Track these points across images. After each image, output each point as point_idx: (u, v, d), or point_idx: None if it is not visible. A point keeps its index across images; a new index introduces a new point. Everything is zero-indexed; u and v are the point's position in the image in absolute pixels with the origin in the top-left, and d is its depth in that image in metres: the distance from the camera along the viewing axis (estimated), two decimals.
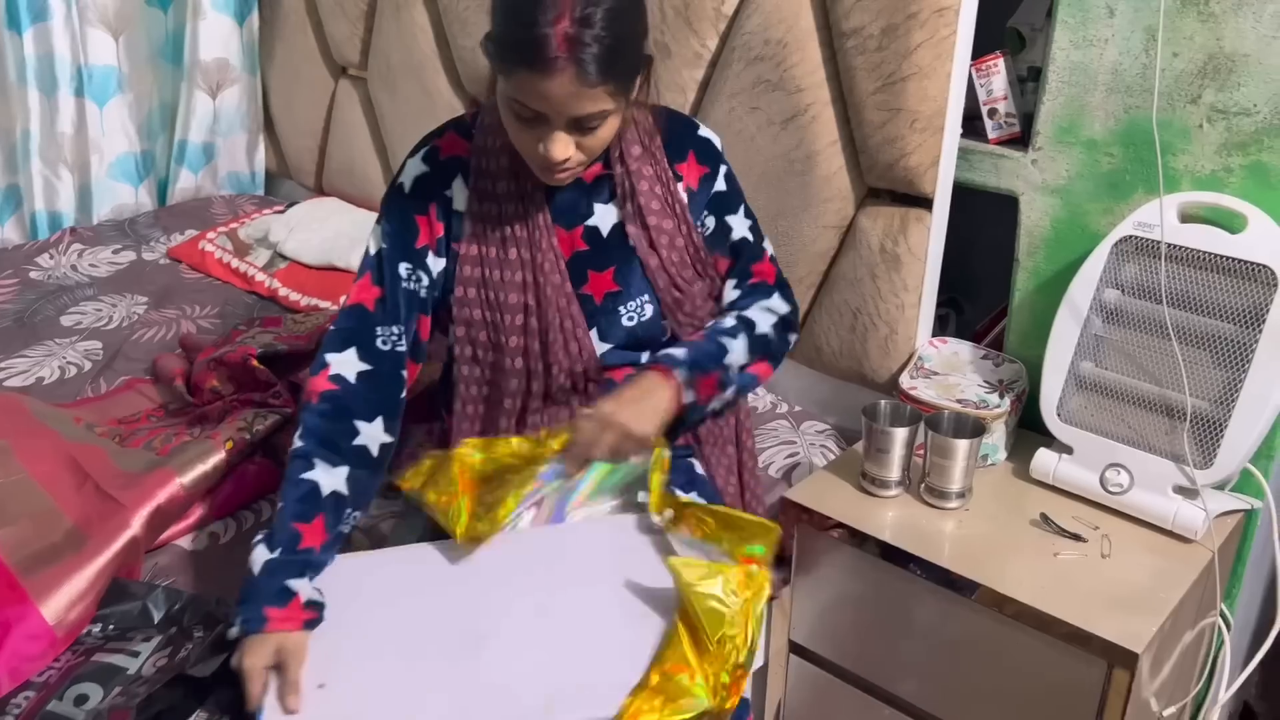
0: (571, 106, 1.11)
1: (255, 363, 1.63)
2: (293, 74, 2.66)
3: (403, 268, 1.28)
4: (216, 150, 2.71)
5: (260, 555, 1.12)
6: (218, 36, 2.56)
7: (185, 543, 1.46)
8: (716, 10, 1.72)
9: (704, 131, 1.37)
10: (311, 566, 1.14)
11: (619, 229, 1.31)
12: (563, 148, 1.15)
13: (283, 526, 1.15)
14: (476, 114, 1.31)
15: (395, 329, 1.26)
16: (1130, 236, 1.42)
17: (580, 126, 1.14)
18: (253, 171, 2.81)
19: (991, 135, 1.61)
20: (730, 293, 1.38)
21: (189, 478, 1.43)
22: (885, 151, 1.59)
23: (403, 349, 1.27)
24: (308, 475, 1.18)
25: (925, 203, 1.60)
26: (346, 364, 1.24)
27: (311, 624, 1.09)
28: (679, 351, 1.27)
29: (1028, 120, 1.59)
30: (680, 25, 1.77)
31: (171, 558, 1.43)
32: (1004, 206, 1.62)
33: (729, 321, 1.33)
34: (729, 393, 1.31)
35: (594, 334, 1.31)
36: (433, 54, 2.26)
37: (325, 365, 1.24)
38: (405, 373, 1.28)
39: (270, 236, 2.36)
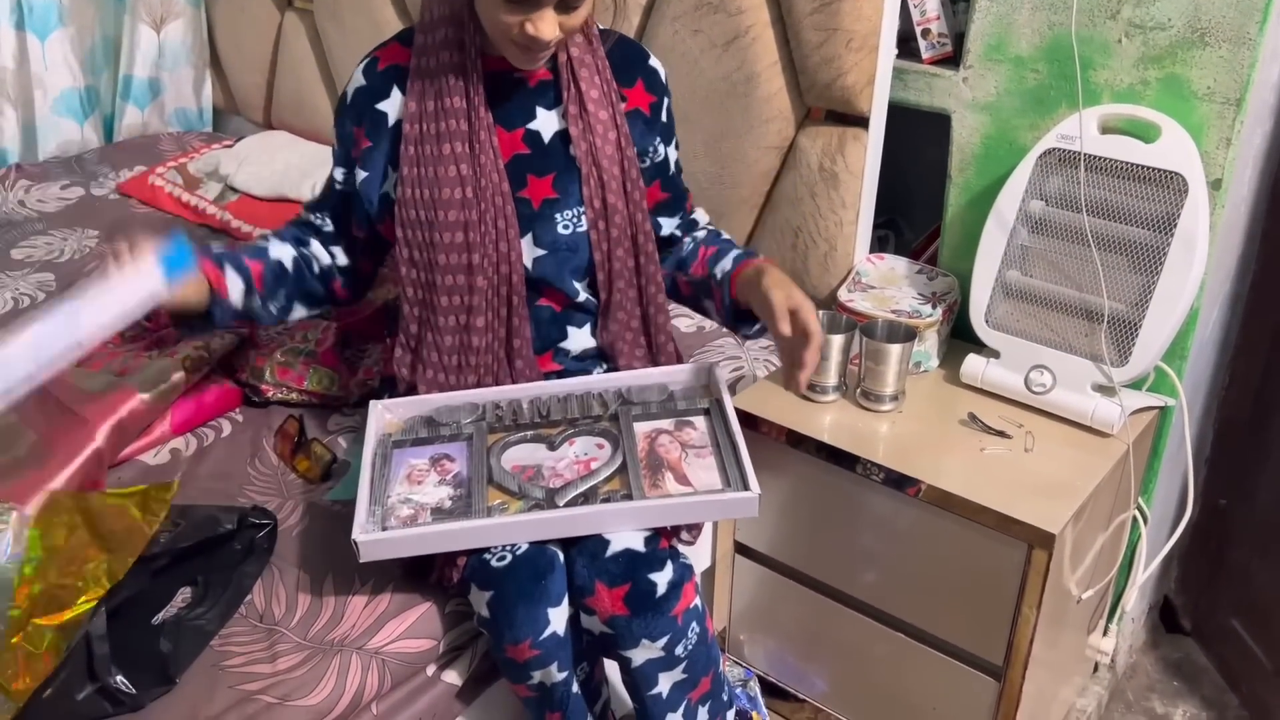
0: None
1: None
2: (238, 7, 2.64)
3: (339, 172, 1.40)
4: (163, 86, 2.69)
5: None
6: None
7: (148, 458, 1.50)
8: None
9: (653, 61, 1.40)
10: (240, 268, 1.33)
11: (561, 138, 1.33)
12: (551, 26, 1.17)
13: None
14: (422, 22, 1.34)
15: (330, 220, 1.44)
16: (1054, 149, 1.49)
17: (567, 5, 1.17)
18: (200, 108, 2.79)
19: (925, 55, 1.67)
20: (677, 220, 1.46)
21: (150, 394, 1.47)
22: (823, 71, 1.64)
23: (328, 229, 1.43)
24: (259, 244, 1.40)
25: (862, 122, 1.66)
26: (317, 216, 1.44)
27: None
28: (736, 252, 1.40)
29: (959, 40, 1.65)
30: None
31: (135, 472, 1.47)
32: (939, 128, 1.68)
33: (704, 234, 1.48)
34: None
35: (527, 240, 1.34)
36: None
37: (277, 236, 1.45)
38: (334, 249, 1.44)
39: (220, 170, 2.36)
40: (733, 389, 1.68)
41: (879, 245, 1.93)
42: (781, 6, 1.66)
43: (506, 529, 1.18)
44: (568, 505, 1.20)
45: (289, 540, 1.34)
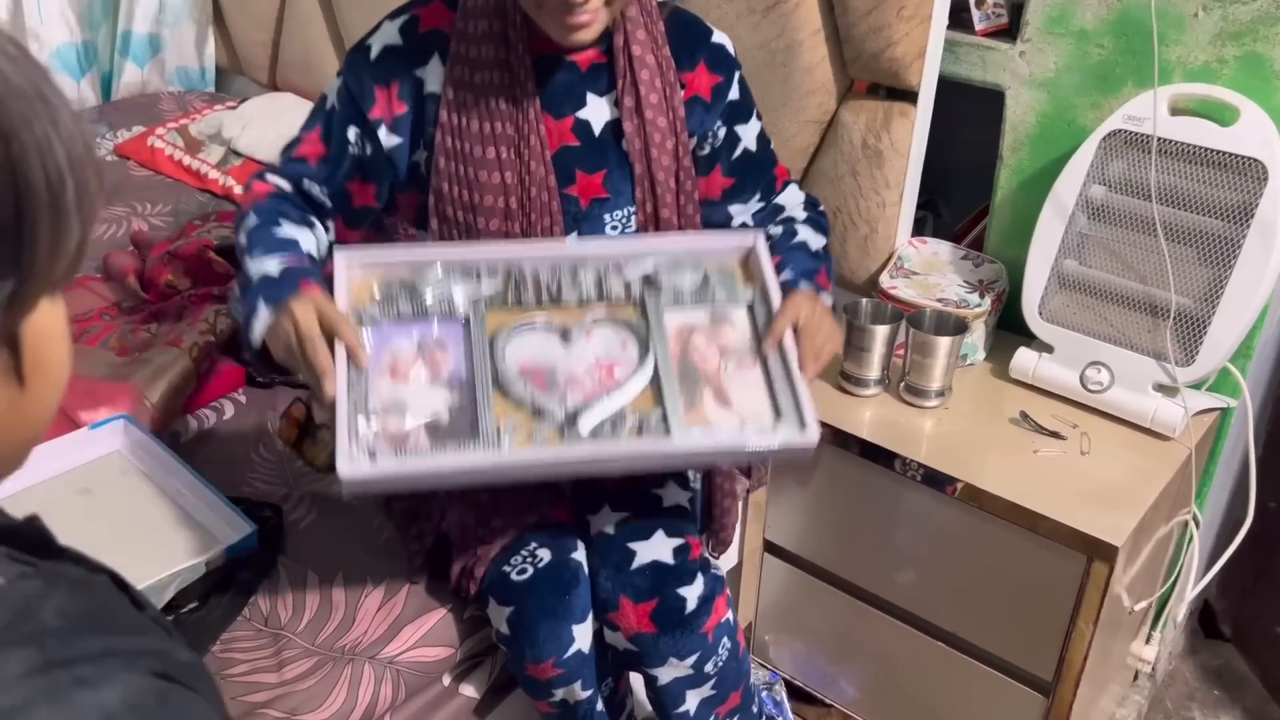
0: None
1: (213, 254, 1.55)
2: None
3: (351, 132, 1.18)
4: (163, 43, 2.57)
5: (271, 266, 1.05)
6: None
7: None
8: None
9: (717, 37, 1.25)
10: (310, 272, 1.07)
11: (613, 129, 1.20)
12: None
13: (275, 255, 1.06)
14: None
15: (325, 191, 1.19)
16: (1119, 130, 1.39)
17: None
18: (202, 66, 2.68)
19: (979, 26, 1.56)
20: (754, 204, 1.29)
21: (156, 394, 1.38)
22: (870, 41, 1.53)
23: (326, 207, 1.19)
24: (282, 233, 1.10)
25: (910, 96, 1.55)
26: (285, 185, 1.18)
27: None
28: (789, 273, 1.19)
29: (1016, 11, 1.54)
30: None
31: None
32: (983, 103, 1.58)
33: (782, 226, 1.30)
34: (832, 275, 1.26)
35: (573, 238, 1.23)
36: None
37: (265, 179, 1.18)
38: (329, 223, 1.21)
39: (223, 132, 2.26)
40: None
41: (916, 227, 1.83)
42: None
43: (523, 466, 0.99)
44: (592, 434, 1.00)
45: (296, 535, 1.25)
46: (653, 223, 1.22)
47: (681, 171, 1.21)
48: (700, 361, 1.07)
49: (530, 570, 1.07)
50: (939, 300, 1.51)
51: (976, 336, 1.51)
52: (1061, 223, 1.44)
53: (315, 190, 1.18)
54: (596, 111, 1.19)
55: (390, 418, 0.99)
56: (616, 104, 1.18)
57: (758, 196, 1.29)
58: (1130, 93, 1.43)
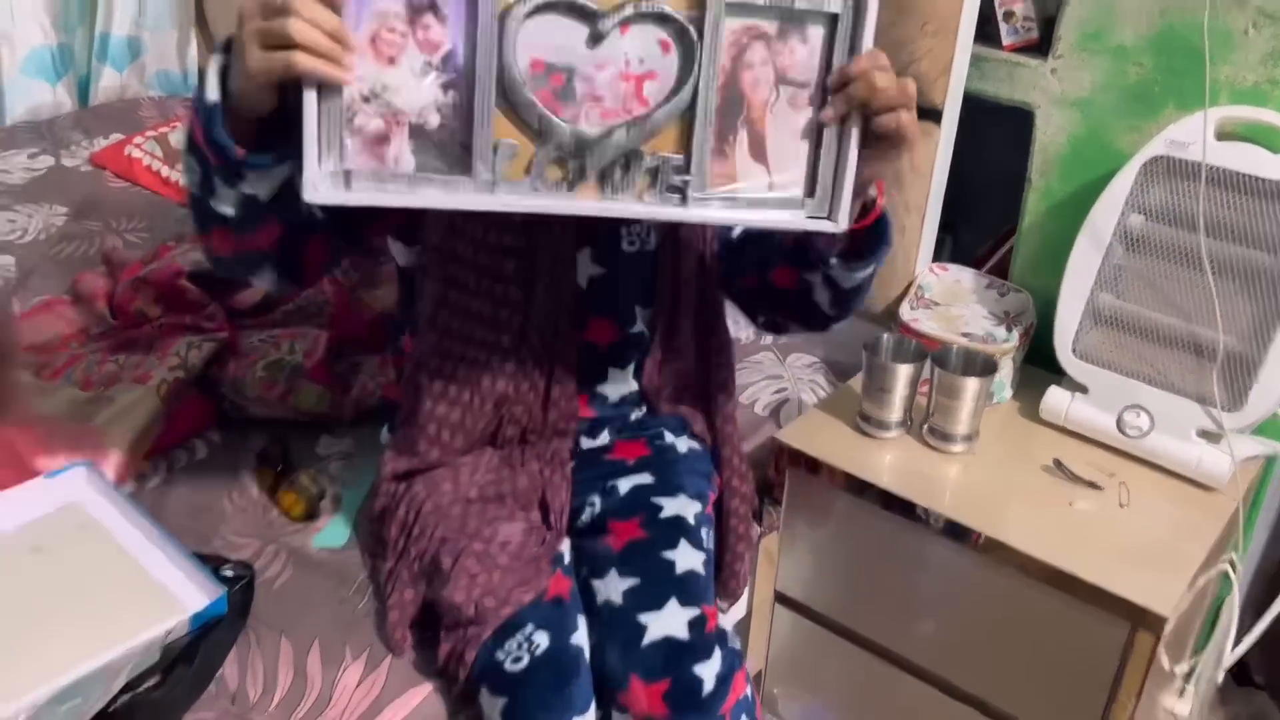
0: None
1: (185, 280, 1.45)
2: None
3: None
4: (143, 46, 2.46)
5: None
6: None
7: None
8: None
9: None
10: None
11: None
12: None
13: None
14: None
15: None
16: (1161, 156, 1.29)
17: None
18: (185, 71, 2.57)
19: (1006, 41, 1.46)
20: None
21: (121, 438, 1.27)
22: (892, 57, 1.42)
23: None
24: None
25: (933, 115, 1.45)
26: None
27: None
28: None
29: (1047, 25, 1.44)
30: None
31: None
32: (1006, 119, 1.48)
33: None
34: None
35: (584, 254, 1.14)
36: None
37: None
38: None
39: None
40: (776, 417, 1.49)
41: (935, 249, 1.73)
42: None
43: (516, 203, 0.86)
44: (602, 180, 0.87)
45: (268, 596, 1.15)
46: (672, 236, 1.14)
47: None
48: (749, 88, 0.88)
49: (526, 659, 0.96)
50: (964, 334, 1.41)
51: (1004, 373, 1.41)
52: (1097, 254, 1.34)
53: None
54: None
55: (368, 113, 0.82)
56: None
57: None
58: (1172, 115, 1.33)
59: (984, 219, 1.76)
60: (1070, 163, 1.44)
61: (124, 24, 2.40)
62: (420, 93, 0.83)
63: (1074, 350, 1.35)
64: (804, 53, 0.88)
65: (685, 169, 0.88)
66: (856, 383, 1.45)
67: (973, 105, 1.48)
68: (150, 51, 2.48)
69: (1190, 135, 1.26)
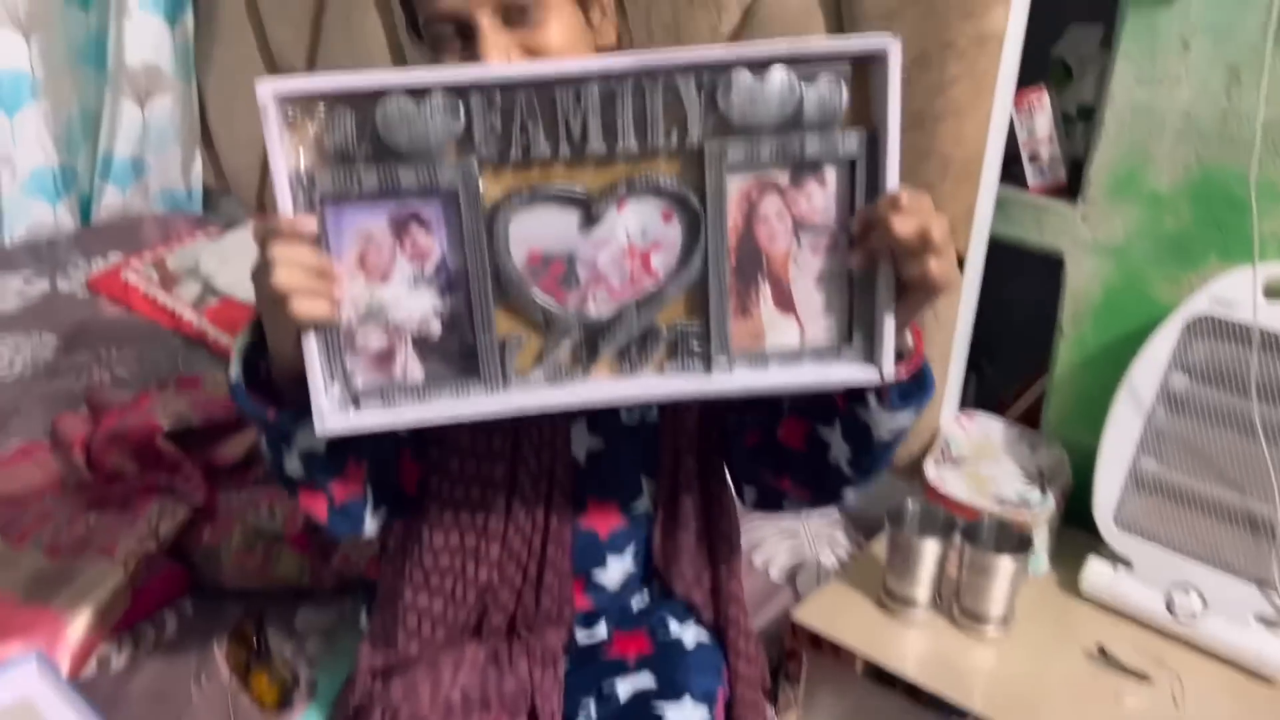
0: None
1: (161, 440, 1.37)
2: (232, 81, 2.38)
3: None
4: (147, 165, 2.42)
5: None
6: (146, 39, 2.28)
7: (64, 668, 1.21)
8: (713, 30, 1.48)
9: None
10: None
11: None
12: (496, 48, 0.84)
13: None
14: None
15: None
16: (1206, 316, 1.20)
17: (508, 12, 0.85)
18: (189, 188, 2.53)
19: (1032, 183, 1.38)
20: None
21: (80, 622, 1.17)
22: None
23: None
24: None
25: (956, 261, 1.36)
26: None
27: None
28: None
29: (1075, 167, 1.37)
30: (670, 45, 1.53)
31: None
32: (1031, 257, 1.39)
33: None
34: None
35: (580, 426, 1.04)
36: (386, 66, 2.00)
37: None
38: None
39: (201, 268, 2.09)
40: (794, 584, 1.38)
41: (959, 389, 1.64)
42: None
43: (532, 401, 0.80)
44: (619, 358, 0.80)
45: None
46: (674, 406, 1.04)
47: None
48: (767, 241, 0.80)
49: None
50: (995, 497, 1.30)
51: (1040, 540, 1.30)
52: (1138, 416, 1.24)
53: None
54: None
55: (369, 331, 0.78)
56: None
57: None
58: (1215, 267, 1.24)
59: (1010, 358, 1.67)
60: (1105, 313, 1.34)
61: (128, 144, 2.36)
62: (417, 304, 0.78)
63: (1116, 520, 1.25)
64: (822, 197, 0.79)
65: (705, 336, 0.80)
66: (880, 544, 1.34)
67: (997, 243, 1.40)
68: (154, 170, 2.44)
69: (1237, 292, 1.17)
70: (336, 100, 0.74)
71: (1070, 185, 1.37)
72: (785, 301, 0.81)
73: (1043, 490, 1.32)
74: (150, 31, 2.28)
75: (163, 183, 2.48)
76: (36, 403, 1.74)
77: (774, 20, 1.41)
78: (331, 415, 0.77)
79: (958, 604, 1.23)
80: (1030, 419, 1.49)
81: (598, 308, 0.79)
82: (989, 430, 1.44)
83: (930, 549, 1.20)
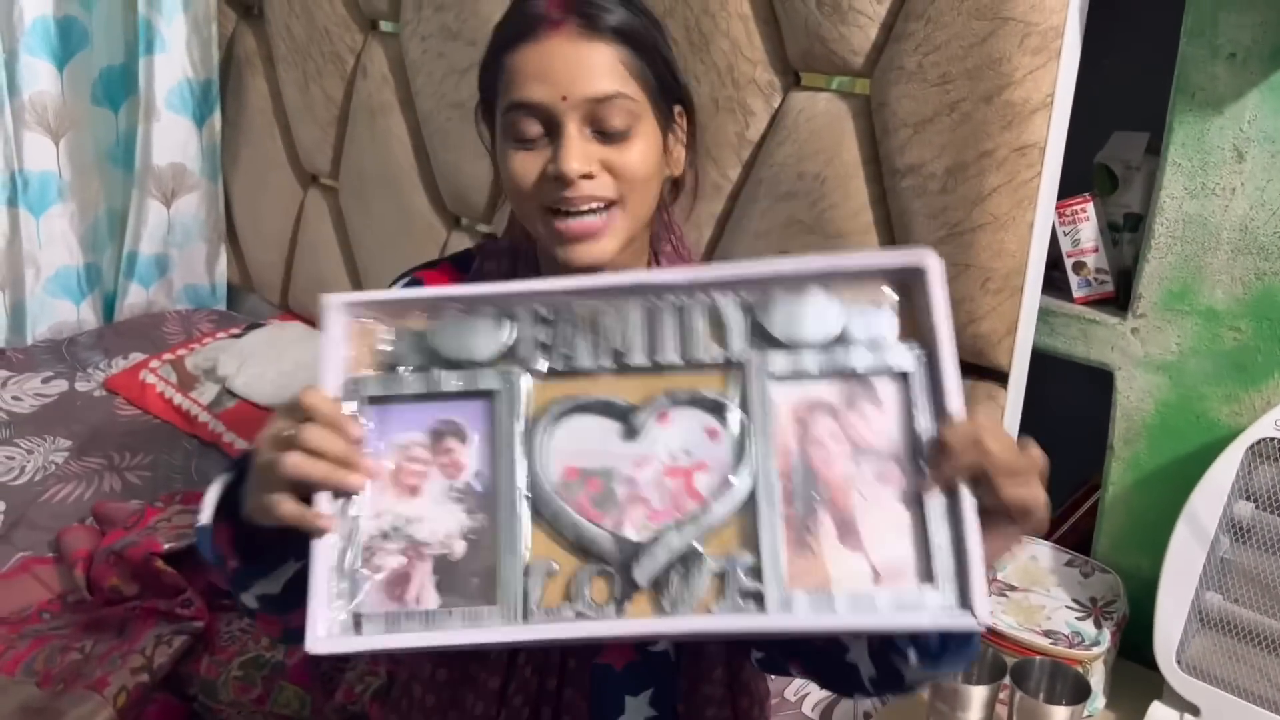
0: (578, 80, 0.82)
1: (161, 563, 1.31)
2: (258, 181, 2.38)
3: None
4: (171, 262, 2.41)
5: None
6: (173, 140, 2.28)
7: None
8: (740, 136, 1.44)
9: None
10: None
11: None
12: (580, 154, 0.83)
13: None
14: (482, 247, 1.02)
15: None
16: (1272, 439, 1.12)
17: (601, 130, 0.84)
18: (213, 284, 2.51)
19: (1078, 294, 1.32)
20: None
21: None
22: (953, 316, 1.28)
23: None
24: None
25: (999, 377, 1.29)
26: None
27: None
28: None
29: (1122, 277, 1.30)
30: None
31: None
32: (1075, 367, 1.32)
33: None
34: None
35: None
36: (410, 167, 1.98)
37: None
38: None
39: (219, 369, 2.05)
40: (828, 718, 1.28)
41: None
42: (895, 232, 1.32)
43: (555, 634, 0.72)
44: (657, 590, 0.71)
45: None
46: None
47: None
48: (823, 465, 0.73)
49: None
50: (1046, 632, 1.21)
51: (1096, 680, 1.20)
52: (1200, 546, 1.15)
53: None
54: None
55: (388, 550, 0.72)
56: None
57: None
58: (1278, 387, 1.16)
59: (1056, 472, 1.57)
60: (1160, 432, 1.26)
61: (152, 243, 2.36)
62: (443, 522, 0.73)
63: (1179, 661, 1.15)
64: (881, 419, 0.73)
65: (757, 571, 0.70)
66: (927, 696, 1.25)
67: (1042, 355, 1.33)
68: (178, 267, 2.43)
69: None
70: (395, 311, 0.75)
71: (1119, 297, 1.30)
72: (851, 536, 0.71)
73: (1098, 624, 1.23)
74: (178, 132, 2.29)
75: (187, 279, 2.47)
76: (43, 511, 1.69)
77: (802, 127, 1.37)
78: (326, 639, 0.70)
79: None
80: (1081, 542, 1.40)
81: (635, 530, 0.72)
82: (1038, 555, 1.35)
83: (978, 696, 1.11)
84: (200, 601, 1.29)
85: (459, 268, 1.01)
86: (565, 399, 0.74)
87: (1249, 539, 1.14)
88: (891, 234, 1.33)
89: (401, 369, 0.75)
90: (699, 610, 0.71)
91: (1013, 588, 1.30)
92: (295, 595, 0.81)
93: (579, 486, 0.73)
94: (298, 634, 0.90)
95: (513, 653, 0.96)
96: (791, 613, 0.70)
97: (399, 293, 0.78)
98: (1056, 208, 1.27)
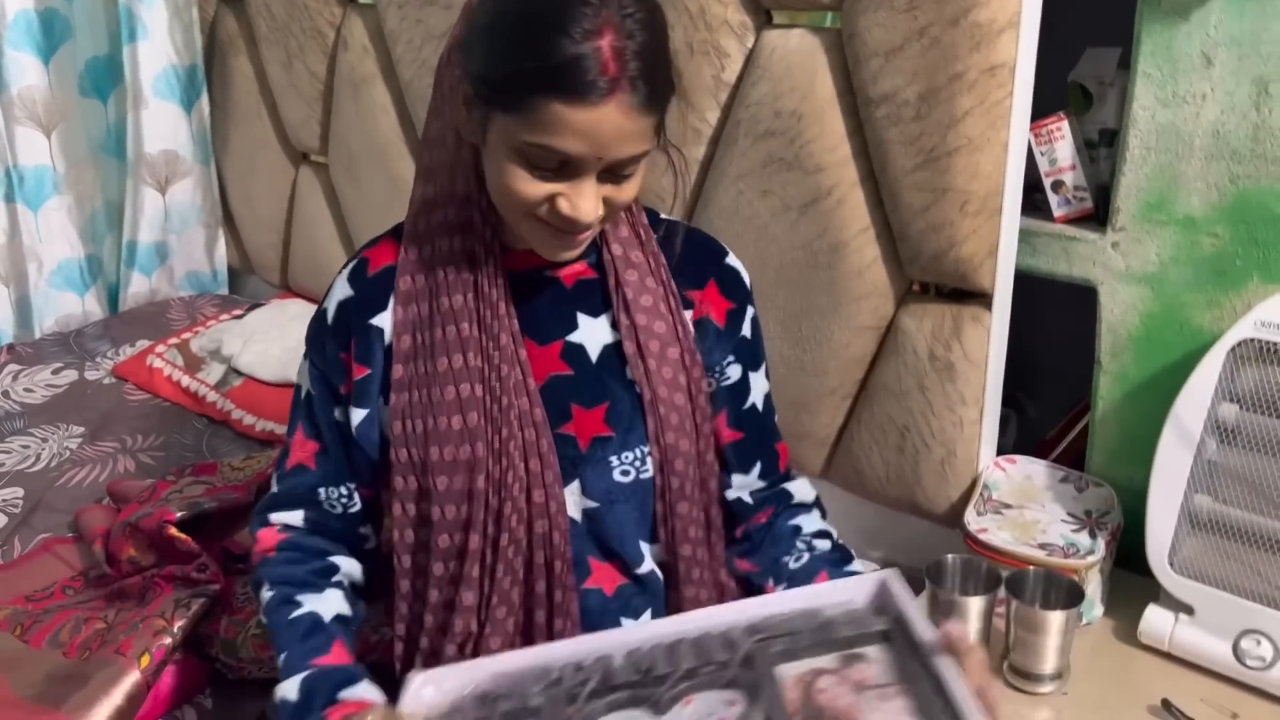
0: (618, 145, 0.85)
1: (173, 530, 1.34)
2: (249, 163, 2.40)
3: (337, 412, 1.03)
4: (170, 249, 2.44)
5: (289, 690, 0.94)
6: (163, 126, 2.30)
7: None
8: (716, 79, 1.45)
9: (732, 259, 1.06)
10: (353, 679, 0.96)
11: (613, 352, 1.01)
12: (594, 202, 0.88)
13: (299, 666, 0.96)
14: (418, 212, 1.03)
15: (343, 489, 1.04)
16: (1251, 340, 1.13)
17: (614, 174, 0.88)
18: (214, 269, 2.54)
19: (1057, 212, 1.33)
20: (755, 481, 1.08)
21: None
22: (930, 240, 1.30)
23: (356, 509, 1.05)
24: (299, 613, 0.99)
25: (983, 299, 1.31)
26: (294, 519, 1.05)
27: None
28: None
29: (1101, 193, 1.31)
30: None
31: None
32: (1062, 287, 1.33)
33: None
34: None
35: (573, 488, 1.01)
36: (396, 137, 1.99)
37: (269, 523, 1.05)
38: (366, 530, 1.08)
39: (223, 349, 2.08)
40: None
41: (999, 428, 1.57)
42: (873, 162, 1.34)
43: None
44: None
45: None
46: (670, 465, 1.00)
47: (693, 387, 1.01)
48: (829, 702, 0.82)
49: None
50: (1041, 545, 1.23)
51: (1092, 588, 1.22)
52: (1187, 450, 1.17)
53: (330, 494, 1.05)
54: (591, 334, 1.01)
55: None
56: (614, 324, 1.00)
57: (758, 471, 1.08)
58: (1257, 289, 1.18)
59: (1049, 392, 1.60)
60: (1145, 344, 1.28)
61: (150, 231, 2.38)
62: None
63: (1173, 564, 1.17)
64: (874, 669, 0.83)
65: None
66: (924, 598, 1.27)
67: (1029, 277, 1.34)
68: (178, 254, 2.46)
69: None
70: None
71: (1098, 213, 1.31)
72: None
73: (1092, 535, 1.25)
74: (167, 119, 2.31)
75: (187, 266, 2.50)
76: (60, 495, 1.72)
77: (776, 65, 1.38)
78: None
79: (1008, 662, 1.15)
80: (1076, 459, 1.42)
81: None
82: (1032, 473, 1.37)
83: (974, 607, 1.14)
84: (215, 565, 1.32)
85: (397, 238, 1.02)
86: (601, 701, 0.82)
87: (1234, 440, 1.16)
88: (869, 163, 1.34)
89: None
90: None
91: (1008, 505, 1.32)
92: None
93: None
94: None
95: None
96: None
97: (481, 669, 0.84)
98: (1031, 128, 1.28)
